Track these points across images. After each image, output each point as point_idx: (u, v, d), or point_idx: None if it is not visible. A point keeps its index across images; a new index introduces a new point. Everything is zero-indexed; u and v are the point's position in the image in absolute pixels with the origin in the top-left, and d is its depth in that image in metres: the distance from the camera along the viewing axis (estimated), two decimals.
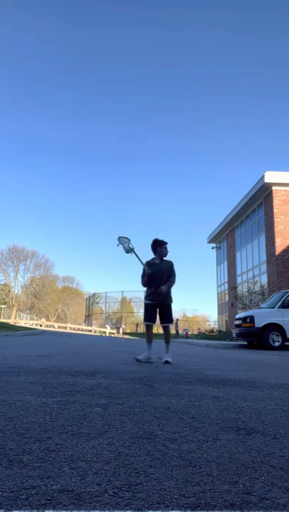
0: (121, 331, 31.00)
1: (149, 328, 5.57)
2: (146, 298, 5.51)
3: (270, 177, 19.22)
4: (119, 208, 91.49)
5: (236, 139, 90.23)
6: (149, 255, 5.55)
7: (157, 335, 12.80)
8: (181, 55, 77.56)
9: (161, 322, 5.50)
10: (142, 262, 5.48)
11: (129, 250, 5.66)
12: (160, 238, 5.46)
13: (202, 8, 66.95)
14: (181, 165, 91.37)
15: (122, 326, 31.89)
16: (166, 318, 5.42)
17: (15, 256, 50.64)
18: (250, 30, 72.63)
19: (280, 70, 78.56)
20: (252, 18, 69.29)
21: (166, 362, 5.05)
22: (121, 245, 5.70)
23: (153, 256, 5.49)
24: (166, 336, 5.52)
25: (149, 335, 5.58)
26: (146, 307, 5.48)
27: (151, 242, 5.45)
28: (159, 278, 5.31)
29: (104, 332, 32.52)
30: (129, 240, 5.77)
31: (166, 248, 5.45)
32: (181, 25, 71.34)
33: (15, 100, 73.04)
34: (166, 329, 5.56)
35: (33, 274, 52.62)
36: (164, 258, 5.47)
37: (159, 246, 5.40)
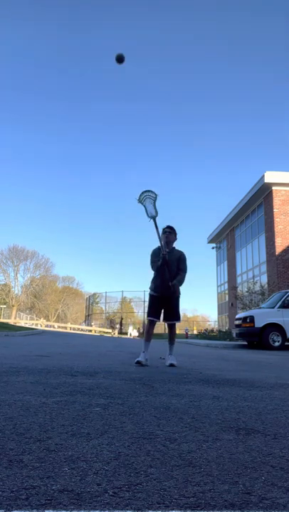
0: (130, 331, 30.53)
1: (151, 324, 4.84)
2: (151, 289, 4.85)
3: (270, 177, 19.23)
4: (120, 208, 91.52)
5: (236, 139, 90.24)
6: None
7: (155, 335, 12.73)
8: (181, 55, 77.60)
9: (166, 319, 4.79)
10: (159, 238, 4.71)
11: (152, 217, 4.74)
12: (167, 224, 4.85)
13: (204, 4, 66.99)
14: (181, 164, 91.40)
15: (131, 326, 31.56)
16: (173, 314, 4.75)
17: (15, 256, 50.68)
18: (251, 32, 72.68)
19: (281, 69, 78.55)
20: (254, 17, 69.32)
21: (171, 365, 4.59)
22: (145, 203, 4.77)
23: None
24: (171, 336, 4.88)
25: (149, 332, 4.80)
26: (151, 300, 4.84)
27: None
28: (168, 267, 4.68)
29: (109, 332, 32.08)
30: (156, 195, 4.82)
31: (166, 234, 4.78)
32: (181, 23, 71.39)
33: (13, 90, 73.03)
34: (171, 328, 4.88)
35: (33, 274, 52.68)
36: (175, 247, 4.86)
37: (162, 233, 4.80)
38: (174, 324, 4.85)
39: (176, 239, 4.89)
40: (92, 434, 1.51)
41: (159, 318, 4.85)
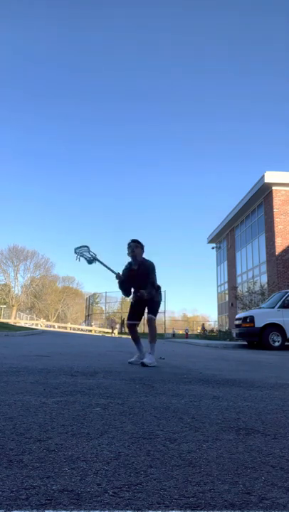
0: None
1: (130, 327, 5.04)
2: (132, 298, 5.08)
3: (270, 177, 19.23)
4: (120, 208, 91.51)
5: (236, 139, 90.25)
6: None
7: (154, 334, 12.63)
8: (181, 55, 77.60)
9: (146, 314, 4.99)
10: (109, 269, 4.99)
11: (92, 260, 5.11)
12: (133, 239, 4.93)
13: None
14: (181, 164, 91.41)
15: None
16: (149, 310, 4.84)
17: (15, 256, 50.72)
18: (251, 32, 72.69)
19: (281, 69, 78.57)
20: (255, 17, 69.37)
21: (142, 364, 4.49)
22: (81, 257, 5.15)
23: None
24: (149, 333, 4.81)
25: (133, 336, 5.01)
26: (130, 307, 5.09)
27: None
28: (138, 282, 4.81)
29: (109, 332, 31.84)
30: (88, 247, 5.18)
31: (130, 248, 4.83)
32: (181, 23, 71.40)
33: (13, 90, 72.99)
34: (149, 324, 4.83)
35: (33, 274, 52.72)
36: (145, 260, 4.89)
37: (128, 248, 4.89)
38: (152, 321, 4.83)
39: (142, 251, 4.93)
40: (92, 434, 1.51)
41: (137, 320, 5.06)
